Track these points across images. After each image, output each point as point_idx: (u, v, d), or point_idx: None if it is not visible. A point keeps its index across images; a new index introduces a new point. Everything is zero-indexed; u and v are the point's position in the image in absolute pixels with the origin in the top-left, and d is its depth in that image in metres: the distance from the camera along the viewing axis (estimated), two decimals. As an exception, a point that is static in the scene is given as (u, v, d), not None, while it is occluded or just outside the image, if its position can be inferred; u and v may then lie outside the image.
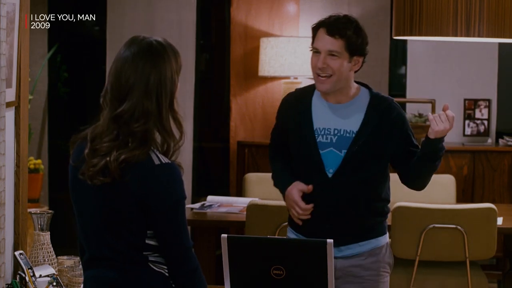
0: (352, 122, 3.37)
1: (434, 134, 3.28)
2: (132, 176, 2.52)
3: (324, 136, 3.38)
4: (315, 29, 3.36)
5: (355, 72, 3.40)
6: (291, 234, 3.55)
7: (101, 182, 2.54)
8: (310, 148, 3.38)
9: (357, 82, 3.46)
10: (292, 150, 3.49)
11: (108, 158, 2.52)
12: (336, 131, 3.37)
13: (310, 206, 3.39)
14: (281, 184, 3.50)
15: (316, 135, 3.38)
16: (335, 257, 3.39)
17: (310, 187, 3.39)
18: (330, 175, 3.37)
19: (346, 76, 3.34)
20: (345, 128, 3.37)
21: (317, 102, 3.43)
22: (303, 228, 3.47)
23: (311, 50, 3.38)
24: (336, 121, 3.38)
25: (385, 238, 3.49)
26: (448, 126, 3.27)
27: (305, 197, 3.41)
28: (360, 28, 3.36)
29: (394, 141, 3.38)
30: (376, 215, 3.45)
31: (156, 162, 2.54)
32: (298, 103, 3.47)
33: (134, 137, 2.54)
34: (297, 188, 3.41)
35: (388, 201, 3.50)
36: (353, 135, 3.35)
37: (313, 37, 3.37)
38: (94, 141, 2.58)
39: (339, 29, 3.30)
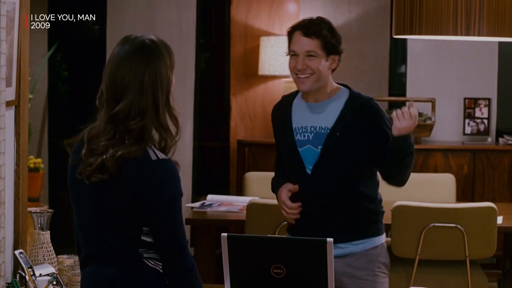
0: (328, 119, 3.42)
1: (398, 131, 3.29)
2: (129, 172, 2.53)
3: (302, 134, 3.44)
4: (291, 32, 3.43)
5: (333, 71, 3.45)
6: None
7: (98, 179, 2.55)
8: (290, 147, 3.46)
9: (339, 84, 3.50)
10: (281, 153, 3.57)
11: (104, 156, 2.54)
12: (312, 128, 3.43)
13: (297, 205, 3.45)
14: (275, 188, 3.57)
15: (294, 134, 3.45)
16: None
17: (296, 186, 3.45)
18: (309, 172, 3.42)
19: (325, 75, 3.40)
20: (321, 124, 3.42)
21: (297, 104, 3.52)
22: (295, 229, 3.51)
23: (287, 54, 3.44)
24: (313, 119, 3.44)
25: (380, 239, 3.49)
26: (411, 123, 3.28)
27: (292, 197, 3.46)
28: (334, 28, 3.43)
29: (370, 137, 3.40)
30: (365, 214, 3.44)
31: (153, 157, 2.55)
32: (281, 108, 3.57)
33: (131, 135, 2.56)
34: (285, 189, 3.47)
35: (377, 200, 3.49)
36: (328, 131, 3.39)
37: (289, 40, 3.43)
38: (91, 142, 2.59)
39: (314, 29, 3.37)
